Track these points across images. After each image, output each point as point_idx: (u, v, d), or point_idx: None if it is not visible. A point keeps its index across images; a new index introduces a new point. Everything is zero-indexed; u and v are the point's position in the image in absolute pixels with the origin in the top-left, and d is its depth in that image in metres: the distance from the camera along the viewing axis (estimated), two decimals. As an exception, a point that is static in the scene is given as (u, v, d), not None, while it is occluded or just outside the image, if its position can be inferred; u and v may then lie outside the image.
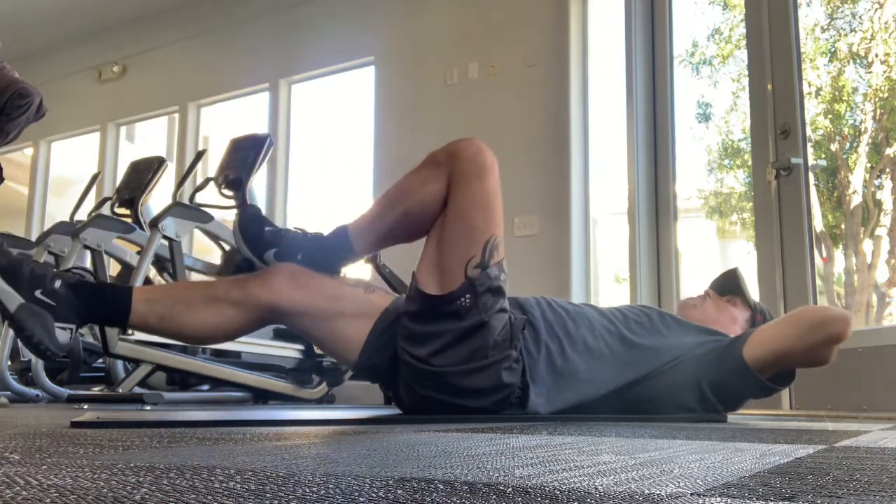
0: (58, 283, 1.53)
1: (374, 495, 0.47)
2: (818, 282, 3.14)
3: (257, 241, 1.71)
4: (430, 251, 1.68)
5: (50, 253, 3.70)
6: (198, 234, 3.85)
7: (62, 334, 1.52)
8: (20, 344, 3.89)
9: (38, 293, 1.51)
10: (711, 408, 1.77)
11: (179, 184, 4.41)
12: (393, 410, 1.87)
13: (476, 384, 1.62)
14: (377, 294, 1.74)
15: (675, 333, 1.82)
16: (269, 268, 1.68)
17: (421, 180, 1.69)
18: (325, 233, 1.74)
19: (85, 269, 3.99)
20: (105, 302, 1.59)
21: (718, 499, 0.48)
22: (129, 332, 2.93)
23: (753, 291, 3.03)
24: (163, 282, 4.00)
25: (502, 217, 1.69)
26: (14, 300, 1.49)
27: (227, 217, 4.18)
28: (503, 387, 1.63)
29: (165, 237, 3.35)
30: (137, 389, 3.04)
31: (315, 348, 3.46)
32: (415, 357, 1.63)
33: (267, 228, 1.72)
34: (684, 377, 1.76)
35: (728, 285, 2.05)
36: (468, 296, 1.59)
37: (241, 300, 1.64)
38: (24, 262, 1.55)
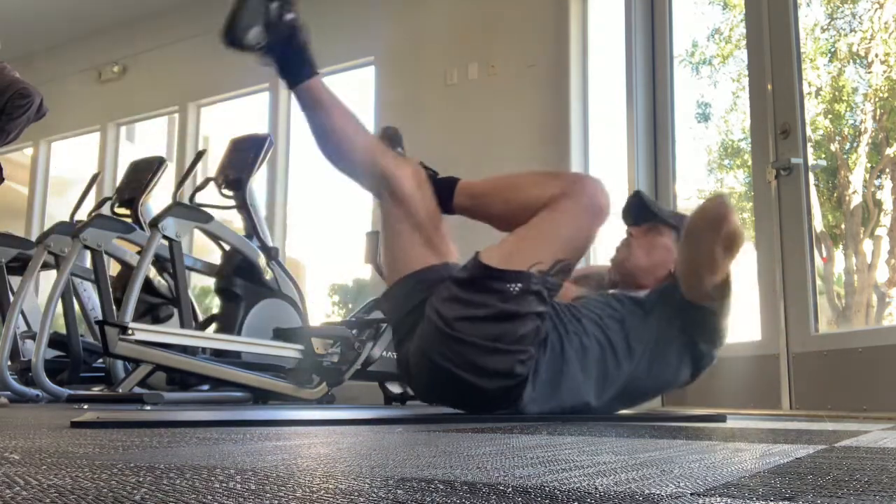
0: (292, 15, 1.75)
1: (374, 495, 0.47)
2: (818, 282, 3.14)
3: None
4: (509, 238, 1.73)
5: (50, 253, 3.70)
6: (198, 234, 3.85)
7: (254, 35, 1.71)
8: (20, 344, 3.89)
9: (275, 3, 1.72)
10: (704, 356, 1.81)
11: (179, 184, 4.41)
12: (393, 410, 1.87)
13: (489, 364, 1.63)
14: (454, 247, 1.82)
15: (639, 319, 1.82)
16: (413, 160, 1.84)
17: (539, 182, 1.77)
18: (438, 175, 1.86)
19: (80, 277, 3.99)
20: (299, 58, 1.79)
21: (718, 499, 0.48)
22: (129, 332, 2.93)
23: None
24: (163, 282, 4.01)
25: (581, 256, 1.75)
26: None
27: (227, 217, 4.19)
28: (512, 376, 1.64)
29: (165, 237, 3.35)
30: (137, 389, 3.04)
31: (315, 348, 3.46)
32: (441, 317, 1.64)
33: (398, 149, 1.95)
34: (668, 351, 1.79)
35: (641, 214, 2.00)
36: (519, 285, 1.62)
37: (379, 150, 1.82)
38: None
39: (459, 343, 1.63)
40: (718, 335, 1.84)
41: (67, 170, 7.41)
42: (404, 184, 1.76)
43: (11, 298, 3.79)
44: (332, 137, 1.81)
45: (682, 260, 1.76)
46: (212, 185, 4.13)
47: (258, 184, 4.22)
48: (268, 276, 3.95)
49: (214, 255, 4.09)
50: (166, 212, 3.39)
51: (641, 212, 1.99)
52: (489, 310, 1.62)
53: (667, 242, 1.95)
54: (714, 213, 1.62)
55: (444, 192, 1.81)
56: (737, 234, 1.63)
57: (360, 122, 1.84)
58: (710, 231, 1.62)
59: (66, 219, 4.40)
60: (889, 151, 5.12)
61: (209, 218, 3.61)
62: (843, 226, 5.25)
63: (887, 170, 5.10)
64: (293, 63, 1.78)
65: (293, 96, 1.86)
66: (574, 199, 1.69)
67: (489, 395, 1.66)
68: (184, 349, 3.21)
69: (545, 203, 1.70)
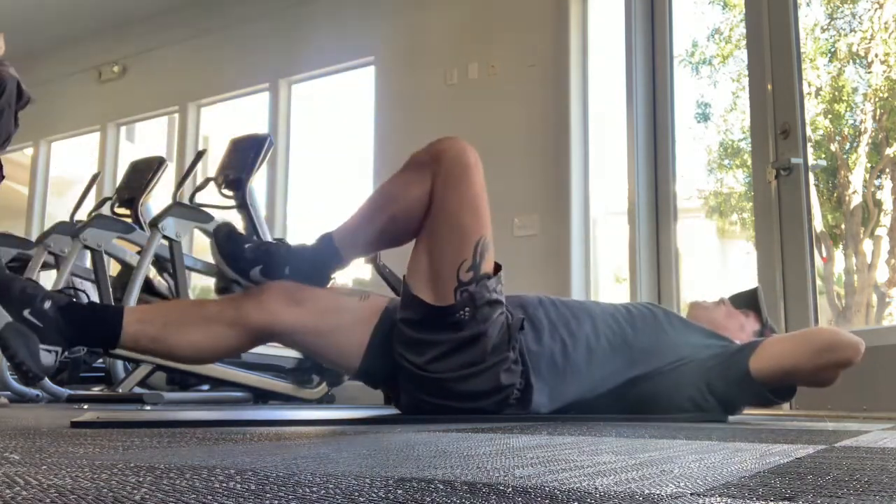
0: (48, 304, 1.50)
1: (374, 495, 0.47)
2: (818, 282, 3.14)
3: (239, 261, 1.65)
4: (420, 255, 1.65)
5: (50, 253, 3.70)
6: (198, 234, 3.85)
7: (47, 356, 1.49)
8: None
9: (26, 313, 1.48)
10: (709, 410, 1.78)
11: (179, 184, 4.41)
12: (393, 410, 1.87)
13: (475, 388, 1.62)
14: (373, 299, 1.72)
15: (680, 333, 1.82)
16: (263, 286, 1.64)
17: (405, 184, 1.66)
18: (308, 243, 1.70)
19: (77, 289, 3.98)
20: (95, 325, 1.56)
21: (718, 499, 0.48)
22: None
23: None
24: (163, 282, 4.00)
25: (489, 216, 1.66)
26: (1, 318, 1.46)
27: (227, 217, 4.18)
28: (502, 388, 1.63)
29: (165, 237, 3.35)
30: (137, 389, 3.04)
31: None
32: (412, 364, 1.63)
33: (247, 245, 1.67)
34: (687, 378, 1.77)
35: (745, 300, 2.05)
36: (466, 309, 1.58)
37: (235, 321, 1.61)
38: (16, 279, 1.53)
39: (441, 381, 1.62)
40: (736, 408, 1.87)
41: (67, 170, 7.41)
42: (282, 319, 1.61)
43: (11, 298, 3.78)
44: (196, 354, 1.67)
45: (779, 346, 1.74)
46: (212, 185, 4.13)
47: (258, 184, 4.22)
48: (268, 276, 3.95)
49: (214, 255, 4.09)
50: (166, 212, 3.39)
51: (747, 302, 2.04)
52: (451, 343, 1.60)
53: (745, 324, 1.98)
54: (842, 347, 1.66)
55: (327, 255, 1.68)
56: (834, 377, 1.68)
57: (197, 311, 1.67)
58: (825, 353, 1.66)
59: (66, 219, 4.40)
60: (889, 151, 5.12)
61: (209, 218, 3.61)
62: (843, 226, 5.25)
63: (887, 170, 5.10)
64: (92, 337, 1.59)
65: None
66: (444, 176, 1.62)
67: (490, 410, 1.66)
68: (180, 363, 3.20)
69: (425, 199, 1.63)
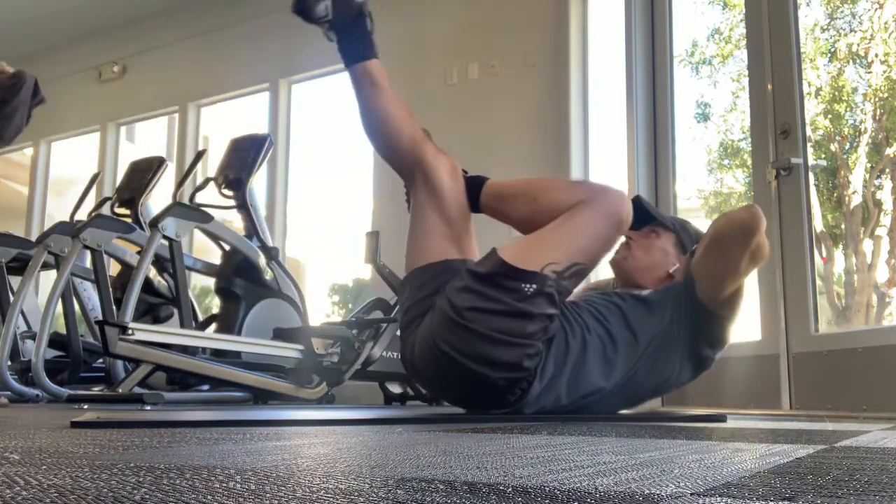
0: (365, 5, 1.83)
1: (374, 495, 0.47)
2: (818, 282, 3.14)
3: None
4: (528, 237, 1.75)
5: (50, 253, 3.70)
6: (198, 234, 3.85)
7: (318, 9, 1.82)
8: (20, 344, 3.89)
9: None
10: (707, 359, 1.85)
11: (179, 184, 4.41)
12: (393, 410, 1.87)
13: (496, 355, 1.64)
14: (476, 246, 1.83)
15: (642, 315, 1.84)
16: (448, 154, 1.86)
17: (565, 187, 1.82)
18: (469, 173, 1.88)
19: (80, 277, 3.99)
20: (362, 39, 1.87)
21: (718, 499, 0.48)
22: (129, 332, 2.93)
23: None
24: (163, 282, 4.00)
25: (598, 263, 1.78)
26: None
27: (227, 217, 4.19)
28: (520, 368, 1.65)
29: (165, 237, 3.35)
30: (137, 389, 3.04)
31: (315, 348, 3.46)
32: (453, 305, 1.66)
33: None
34: (672, 349, 1.82)
35: (640, 217, 2.01)
36: (534, 286, 1.63)
37: (422, 139, 1.83)
38: None
39: (468, 331, 1.64)
40: (723, 339, 1.88)
41: (67, 170, 7.41)
42: (441, 174, 1.79)
43: (11, 298, 3.79)
44: (379, 118, 1.86)
45: (705, 264, 1.78)
46: (212, 185, 4.13)
47: (258, 184, 4.22)
48: (268, 276, 3.95)
49: (214, 255, 4.09)
50: (166, 212, 3.39)
51: (641, 215, 2.00)
52: (501, 305, 1.64)
53: (664, 245, 1.98)
54: (748, 224, 1.68)
55: (473, 190, 1.83)
56: (764, 246, 1.70)
57: (408, 111, 1.88)
58: (741, 240, 1.68)
59: (66, 219, 4.40)
60: (889, 151, 5.12)
61: (209, 218, 3.61)
62: (843, 226, 5.25)
63: (887, 170, 5.10)
64: (355, 42, 1.85)
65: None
66: (596, 207, 1.71)
67: (494, 386, 1.66)
68: (184, 349, 3.20)
69: (568, 208, 1.71)
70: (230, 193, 4.04)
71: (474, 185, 1.84)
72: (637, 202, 2.01)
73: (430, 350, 1.69)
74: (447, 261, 1.75)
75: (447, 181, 1.80)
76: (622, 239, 1.99)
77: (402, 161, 1.88)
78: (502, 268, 1.65)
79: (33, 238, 4.50)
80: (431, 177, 1.79)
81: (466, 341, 1.64)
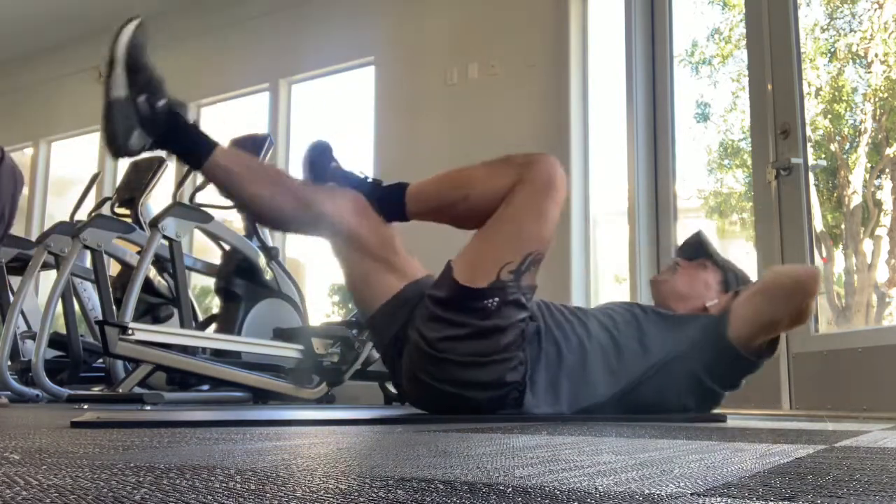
0: (163, 102, 1.62)
1: (374, 495, 0.47)
2: (818, 282, 3.13)
3: (317, 170, 1.77)
4: (473, 244, 1.70)
5: (50, 253, 3.70)
6: (198, 234, 3.85)
7: (137, 141, 1.61)
8: (20, 344, 3.89)
9: (141, 98, 1.61)
10: (715, 395, 1.80)
11: (179, 184, 4.41)
12: (393, 410, 1.88)
13: (478, 377, 1.63)
14: (417, 262, 1.78)
15: (660, 330, 1.81)
16: (342, 189, 1.74)
17: (491, 173, 1.72)
18: (385, 183, 1.79)
19: (80, 276, 3.99)
20: (193, 138, 1.67)
21: (718, 499, 0.48)
22: (129, 332, 2.93)
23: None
24: (163, 282, 4.01)
25: (551, 241, 1.70)
26: (121, 91, 1.59)
27: (227, 217, 4.18)
28: (504, 384, 1.64)
29: (165, 237, 3.35)
30: (137, 389, 3.04)
31: (315, 348, 3.46)
32: (424, 338, 1.63)
33: (332, 164, 1.78)
34: (682, 374, 1.78)
35: (695, 250, 2.03)
36: (497, 299, 1.60)
37: (305, 198, 1.71)
38: (153, 70, 1.68)
39: (446, 362, 1.63)
40: (737, 383, 1.86)
41: (67, 170, 7.41)
42: (346, 219, 1.69)
43: (11, 298, 3.79)
44: (254, 202, 1.74)
45: (748, 306, 1.76)
46: (212, 184, 4.12)
47: (258, 184, 4.21)
48: (268, 276, 3.95)
49: (214, 255, 4.09)
50: (166, 212, 3.39)
51: (697, 249, 2.03)
52: (471, 328, 1.61)
53: (709, 279, 1.97)
54: (805, 282, 1.69)
55: (394, 201, 1.74)
56: (810, 310, 1.71)
57: (277, 173, 1.78)
58: (792, 295, 1.69)
59: (66, 219, 4.40)
60: (889, 151, 5.12)
61: (209, 218, 3.61)
62: (843, 226, 5.25)
63: (887, 170, 5.10)
64: (186, 147, 1.69)
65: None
66: (529, 186, 1.66)
67: (486, 406, 1.66)
68: (184, 349, 3.21)
69: (502, 195, 1.66)
70: (230, 193, 4.04)
71: (395, 196, 1.74)
72: (697, 237, 2.06)
73: (416, 383, 1.68)
74: (397, 294, 1.70)
75: (356, 221, 1.69)
76: (673, 263, 2.02)
77: (304, 227, 1.78)
78: (460, 291, 1.62)
79: (33, 238, 4.50)
80: (339, 227, 1.70)
81: (447, 371, 1.63)
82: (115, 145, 1.60)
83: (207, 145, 1.67)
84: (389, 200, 1.74)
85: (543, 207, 1.67)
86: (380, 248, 1.71)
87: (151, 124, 1.62)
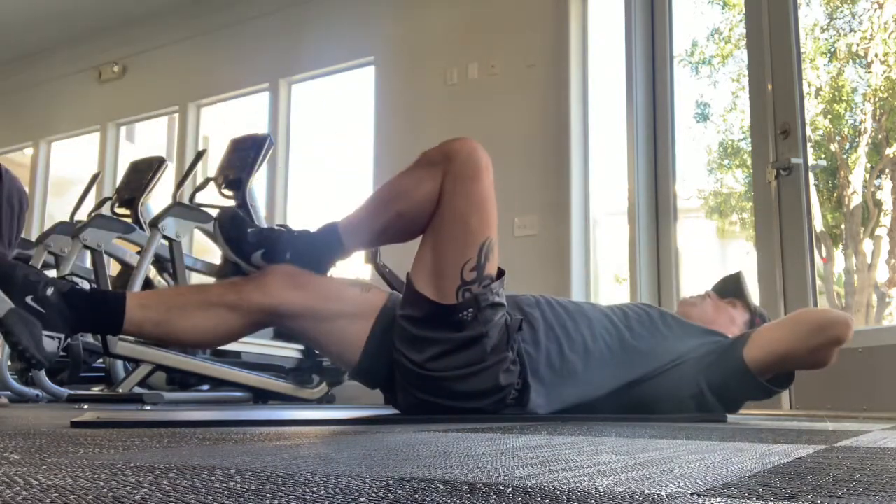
0: (50, 291, 1.49)
1: (374, 495, 0.47)
2: (818, 282, 3.14)
3: (241, 244, 1.67)
4: (425, 253, 1.66)
5: (50, 253, 3.70)
6: (198, 234, 3.85)
7: (50, 343, 1.48)
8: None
9: (28, 299, 1.47)
10: (711, 409, 1.77)
11: (179, 184, 4.41)
12: (393, 410, 1.87)
13: (473, 387, 1.62)
14: (373, 293, 1.73)
15: (675, 334, 1.82)
16: (264, 270, 1.65)
17: (415, 181, 1.66)
18: (312, 230, 1.70)
19: (80, 276, 3.99)
20: (98, 310, 1.56)
21: (718, 499, 0.48)
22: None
23: (754, 293, 3.03)
24: (163, 282, 4.00)
25: (496, 219, 1.67)
26: (4, 305, 1.45)
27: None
28: (500, 388, 1.63)
29: (165, 237, 3.35)
30: (137, 389, 3.04)
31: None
32: (411, 361, 1.63)
33: (250, 230, 1.68)
34: (685, 379, 1.77)
35: (729, 288, 2.05)
36: (471, 310, 1.58)
37: (236, 304, 1.61)
38: (18, 266, 1.52)
39: (438, 380, 1.62)
40: (738, 402, 1.86)
41: (67, 170, 7.41)
42: (283, 301, 1.61)
43: (11, 298, 3.78)
44: (196, 338, 1.69)
45: (771, 334, 1.74)
46: (212, 184, 4.13)
47: (258, 184, 4.22)
48: (268, 276, 3.95)
49: (214, 255, 4.09)
50: (166, 212, 3.39)
51: (732, 288, 2.04)
52: (453, 342, 1.60)
53: (736, 316, 1.98)
54: (833, 326, 1.66)
55: (331, 243, 1.67)
56: (832, 357, 1.68)
57: (197, 296, 1.66)
58: (817, 334, 1.66)
59: (66, 219, 4.40)
60: (889, 151, 5.12)
61: (209, 218, 3.61)
62: (843, 226, 5.25)
63: (887, 170, 5.10)
64: (95, 322, 1.59)
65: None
66: (456, 175, 1.62)
67: (488, 410, 1.66)
68: (184, 349, 3.21)
69: (434, 197, 1.63)
70: (230, 193, 4.04)
71: (331, 238, 1.67)
72: (737, 277, 2.06)
73: (414, 401, 1.68)
74: (371, 334, 1.66)
75: (292, 296, 1.62)
76: (704, 292, 2.03)
77: (251, 328, 1.68)
78: (432, 309, 1.59)
79: (33, 238, 4.49)
80: (280, 310, 1.62)
81: (441, 388, 1.62)
82: (35, 359, 1.46)
83: (113, 312, 1.55)
84: (325, 245, 1.67)
85: (478, 193, 1.64)
86: (329, 307, 1.65)
87: (58, 317, 1.49)
